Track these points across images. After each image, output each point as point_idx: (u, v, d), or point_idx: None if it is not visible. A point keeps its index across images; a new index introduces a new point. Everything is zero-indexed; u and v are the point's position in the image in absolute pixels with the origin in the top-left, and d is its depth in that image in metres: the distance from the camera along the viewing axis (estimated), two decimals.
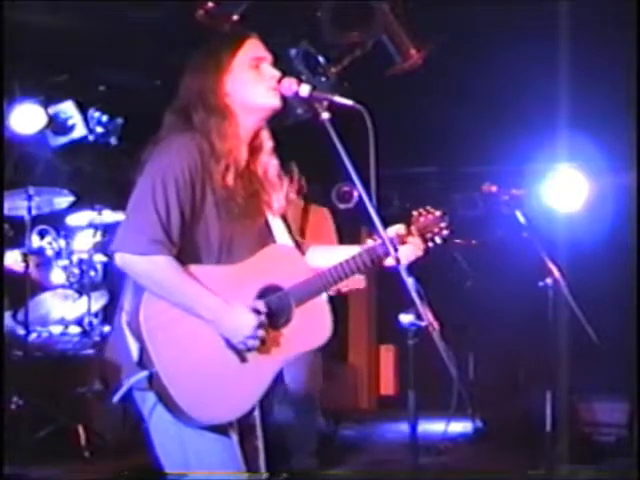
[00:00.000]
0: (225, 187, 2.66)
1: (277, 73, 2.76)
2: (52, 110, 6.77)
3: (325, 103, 2.77)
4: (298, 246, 2.89)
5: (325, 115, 2.75)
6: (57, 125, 6.85)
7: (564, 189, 7.31)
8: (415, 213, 2.89)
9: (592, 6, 5.42)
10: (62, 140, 6.96)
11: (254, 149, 2.83)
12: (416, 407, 4.26)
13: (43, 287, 6.34)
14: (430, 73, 6.11)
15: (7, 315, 6.02)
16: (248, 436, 2.78)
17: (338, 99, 2.79)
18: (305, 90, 2.78)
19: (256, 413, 2.85)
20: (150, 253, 2.55)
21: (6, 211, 5.99)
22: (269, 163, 2.85)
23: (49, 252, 6.38)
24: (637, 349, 6.18)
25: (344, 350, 9.29)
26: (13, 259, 6.12)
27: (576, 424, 6.56)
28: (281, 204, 2.86)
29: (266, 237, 2.80)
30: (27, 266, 5.95)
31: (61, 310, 6.43)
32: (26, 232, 6.03)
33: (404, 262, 2.70)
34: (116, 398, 2.66)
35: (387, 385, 9.31)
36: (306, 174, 5.27)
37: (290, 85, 2.80)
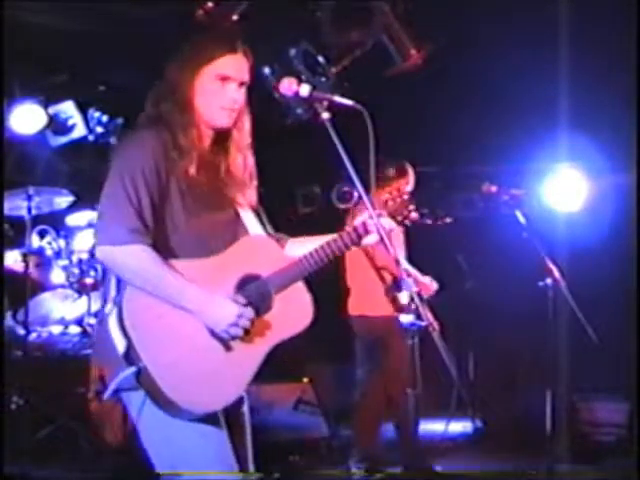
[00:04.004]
0: (188, 179, 2.70)
1: (238, 97, 2.76)
2: (52, 110, 6.77)
3: (325, 103, 2.78)
4: (272, 237, 2.91)
5: (325, 115, 2.76)
6: (57, 125, 6.86)
7: (564, 189, 7.30)
8: (384, 197, 2.94)
9: (592, 7, 5.42)
10: (62, 140, 6.97)
11: (222, 145, 2.83)
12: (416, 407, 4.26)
13: (43, 287, 6.34)
14: (430, 73, 6.11)
15: (7, 315, 6.02)
16: (237, 434, 2.79)
17: (338, 99, 2.80)
18: (305, 90, 2.78)
19: (245, 409, 2.87)
20: (129, 242, 2.59)
21: (6, 211, 5.99)
22: (236, 160, 2.85)
23: (49, 252, 6.37)
24: (637, 349, 6.18)
25: (344, 350, 9.28)
26: (13, 259, 6.12)
27: (576, 424, 6.56)
28: (249, 200, 2.88)
29: (238, 229, 2.83)
30: (27, 266, 5.94)
31: (61, 310, 6.43)
32: (26, 232, 6.03)
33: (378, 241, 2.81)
34: (106, 395, 2.68)
35: None
36: (306, 174, 5.29)
37: (290, 85, 2.80)
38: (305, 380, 6.94)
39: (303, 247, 2.85)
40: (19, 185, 6.07)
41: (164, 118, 2.74)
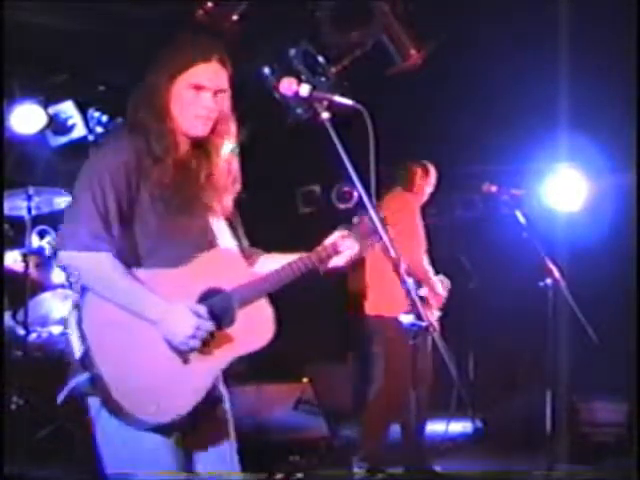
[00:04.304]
0: (161, 186, 2.68)
1: (213, 106, 2.73)
2: (52, 110, 6.77)
3: (325, 103, 2.77)
4: (242, 251, 2.89)
5: (325, 115, 2.75)
6: (57, 125, 6.85)
7: (564, 189, 7.31)
8: (355, 219, 2.91)
9: (592, 7, 5.42)
10: (62, 140, 6.96)
11: (203, 151, 2.82)
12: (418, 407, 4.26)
13: (43, 287, 6.33)
14: (430, 73, 6.11)
15: (7, 315, 6.01)
16: (213, 410, 2.78)
17: (338, 99, 2.79)
18: (305, 90, 2.78)
19: (227, 406, 2.87)
20: (91, 248, 2.59)
21: (6, 211, 5.98)
22: (217, 166, 2.83)
23: (49, 252, 6.37)
24: (637, 349, 6.18)
25: (344, 350, 9.28)
26: (13, 259, 6.11)
27: (576, 424, 6.56)
28: (225, 208, 2.87)
29: (208, 239, 2.80)
30: (27, 266, 5.94)
31: (61, 310, 6.42)
32: (26, 232, 6.02)
33: (346, 263, 2.84)
34: (59, 399, 2.69)
35: None
36: (306, 174, 5.29)
37: (290, 85, 2.80)
38: (305, 380, 6.94)
39: (276, 263, 2.83)
40: (19, 185, 6.06)
41: (141, 125, 2.73)
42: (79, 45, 5.92)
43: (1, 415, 5.21)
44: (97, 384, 2.57)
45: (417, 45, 5.86)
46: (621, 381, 6.35)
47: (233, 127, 2.85)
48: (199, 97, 2.72)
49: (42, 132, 6.78)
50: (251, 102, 6.94)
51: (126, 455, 2.67)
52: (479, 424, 7.25)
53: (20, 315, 5.99)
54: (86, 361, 2.56)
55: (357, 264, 5.68)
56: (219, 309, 2.70)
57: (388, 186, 5.91)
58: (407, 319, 4.73)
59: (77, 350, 2.58)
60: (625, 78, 5.85)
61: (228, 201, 2.88)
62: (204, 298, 2.69)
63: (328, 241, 2.86)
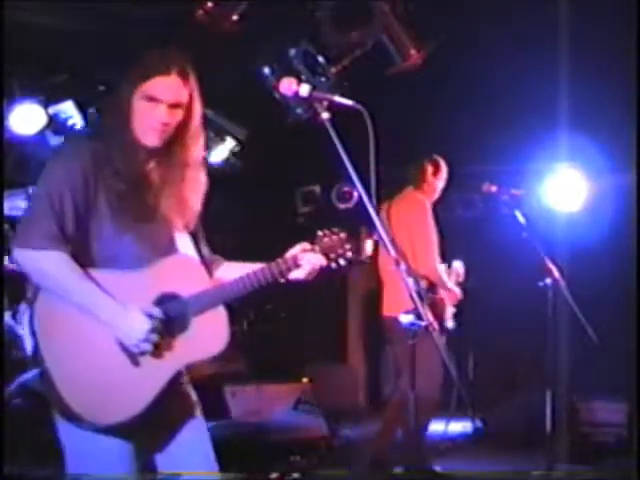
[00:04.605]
0: (119, 194, 2.70)
1: (167, 119, 2.74)
2: (52, 110, 6.76)
3: (325, 103, 2.78)
4: (202, 258, 2.90)
5: (325, 115, 2.76)
6: (57, 125, 6.84)
7: (564, 189, 7.31)
8: (320, 233, 2.90)
9: (592, 7, 5.42)
10: (62, 140, 6.95)
11: (162, 161, 2.82)
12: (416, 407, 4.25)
13: None
14: (430, 73, 6.11)
15: (7, 315, 6.01)
16: (175, 412, 2.78)
17: (338, 99, 2.80)
18: (305, 90, 2.79)
19: (189, 388, 2.88)
20: (45, 247, 2.61)
21: (6, 211, 5.97)
22: (178, 177, 2.83)
23: None
24: (637, 349, 6.18)
25: (344, 350, 9.29)
26: None
27: (576, 424, 6.56)
28: (186, 216, 2.87)
29: (166, 245, 2.81)
30: None
31: None
32: None
33: (307, 277, 2.85)
34: (7, 393, 2.70)
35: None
36: (306, 174, 5.29)
37: (290, 85, 2.80)
38: (305, 380, 6.94)
39: (236, 272, 2.84)
40: (19, 185, 6.06)
41: (103, 132, 2.76)
42: (79, 45, 5.92)
43: (1, 415, 5.21)
44: (45, 382, 2.58)
45: (417, 45, 5.85)
46: (621, 381, 6.35)
47: (199, 139, 2.85)
48: (154, 109, 2.74)
49: (42, 132, 6.77)
50: (251, 102, 6.96)
51: (77, 458, 2.71)
52: (479, 424, 7.25)
53: (20, 315, 5.99)
54: (36, 357, 2.58)
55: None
56: (174, 314, 2.70)
57: (400, 186, 5.91)
58: (407, 319, 4.72)
59: (28, 346, 2.60)
60: (625, 78, 5.85)
61: (189, 210, 2.88)
62: (159, 303, 2.70)
63: (289, 254, 2.87)
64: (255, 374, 7.02)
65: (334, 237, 2.89)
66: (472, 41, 5.99)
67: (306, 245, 2.89)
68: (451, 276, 5.88)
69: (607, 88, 6.18)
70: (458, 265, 5.93)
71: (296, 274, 2.87)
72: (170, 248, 2.81)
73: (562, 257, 5.96)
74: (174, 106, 2.75)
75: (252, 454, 5.90)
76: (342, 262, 2.90)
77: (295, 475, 5.67)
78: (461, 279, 5.92)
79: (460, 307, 5.88)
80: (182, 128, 2.79)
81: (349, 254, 2.89)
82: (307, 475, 5.75)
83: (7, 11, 4.92)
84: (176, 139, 2.79)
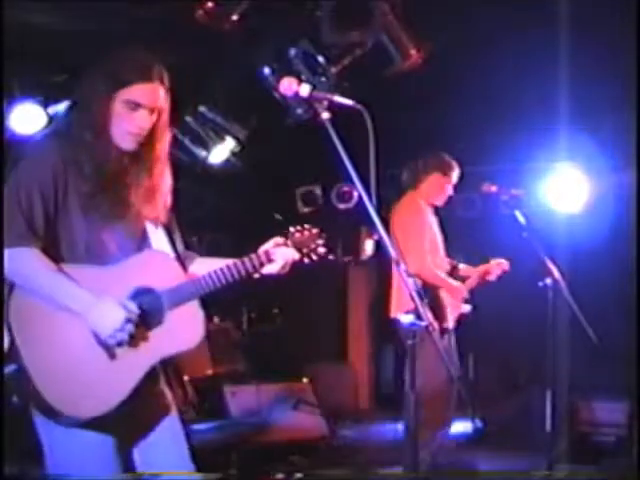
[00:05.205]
0: (90, 194, 2.72)
1: (146, 124, 2.78)
2: (52, 110, 6.76)
3: (325, 103, 2.78)
4: (177, 254, 2.92)
5: (325, 115, 2.76)
6: None
7: (564, 189, 7.31)
8: (291, 229, 2.97)
9: (592, 6, 5.42)
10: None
11: (135, 162, 2.84)
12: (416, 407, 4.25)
13: None
14: (430, 73, 6.11)
15: None
16: (148, 381, 2.78)
17: (338, 99, 2.80)
18: (305, 90, 2.79)
19: (162, 383, 2.89)
20: (14, 245, 2.62)
21: None
22: (151, 177, 2.86)
23: None
24: (637, 349, 6.18)
25: (344, 350, 9.29)
26: None
27: (576, 424, 6.56)
28: (159, 215, 2.90)
29: (141, 242, 2.84)
30: None
31: None
32: None
33: (280, 271, 2.91)
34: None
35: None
36: (306, 174, 5.29)
37: (290, 85, 2.80)
38: (305, 380, 6.95)
39: (211, 267, 2.87)
40: None
41: (73, 136, 2.77)
42: (79, 45, 5.91)
43: (1, 415, 5.21)
44: (22, 377, 2.59)
45: (417, 45, 5.85)
46: (621, 381, 6.35)
47: (167, 135, 2.89)
48: (134, 115, 2.76)
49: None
50: (251, 102, 6.96)
51: (57, 455, 2.70)
52: (479, 424, 7.25)
53: None
54: (12, 353, 2.59)
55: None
56: (148, 308, 2.72)
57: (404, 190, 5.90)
58: (407, 319, 4.71)
59: (5, 342, 2.61)
60: (625, 77, 5.85)
61: (159, 203, 2.90)
62: (134, 297, 2.72)
63: (262, 248, 2.92)
64: (255, 374, 7.02)
65: (306, 232, 2.96)
66: (472, 41, 5.98)
67: (279, 240, 2.95)
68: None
69: (607, 87, 6.18)
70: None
71: (269, 268, 2.92)
72: (143, 244, 2.84)
73: (562, 257, 5.96)
74: (153, 110, 2.79)
75: (252, 454, 5.91)
76: (314, 257, 2.97)
77: (298, 475, 5.68)
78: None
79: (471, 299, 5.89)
80: (154, 128, 2.83)
81: (320, 249, 2.96)
82: (307, 475, 5.75)
83: (7, 11, 4.92)
84: (147, 138, 2.83)
